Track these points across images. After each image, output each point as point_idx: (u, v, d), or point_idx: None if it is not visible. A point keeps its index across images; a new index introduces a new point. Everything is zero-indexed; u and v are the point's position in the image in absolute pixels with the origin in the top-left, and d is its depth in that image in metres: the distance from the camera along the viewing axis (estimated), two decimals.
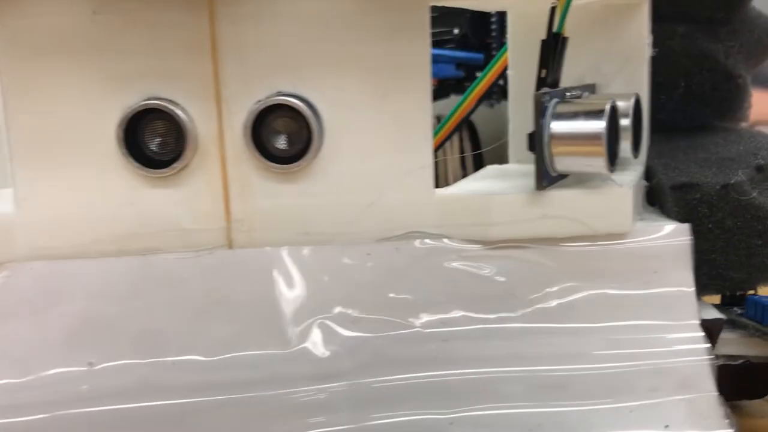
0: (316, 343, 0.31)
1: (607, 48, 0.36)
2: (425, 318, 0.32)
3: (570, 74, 0.36)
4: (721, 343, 0.33)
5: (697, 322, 0.32)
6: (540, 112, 0.30)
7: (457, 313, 0.32)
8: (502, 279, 0.32)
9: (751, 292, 0.35)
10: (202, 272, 0.32)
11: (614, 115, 0.31)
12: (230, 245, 0.32)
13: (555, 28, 0.33)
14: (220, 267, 0.32)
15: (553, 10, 0.33)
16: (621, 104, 0.34)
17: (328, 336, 0.31)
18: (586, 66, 0.37)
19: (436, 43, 0.52)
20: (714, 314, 0.33)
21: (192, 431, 0.30)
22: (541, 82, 0.33)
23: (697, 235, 0.33)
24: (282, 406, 0.30)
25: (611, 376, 0.31)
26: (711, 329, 0.32)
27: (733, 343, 0.33)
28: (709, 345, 0.31)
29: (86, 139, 0.31)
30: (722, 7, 0.38)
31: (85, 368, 0.31)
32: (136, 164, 0.31)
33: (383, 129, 0.32)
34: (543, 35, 0.35)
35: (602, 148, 0.30)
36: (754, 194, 0.33)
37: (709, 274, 0.34)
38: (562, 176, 0.32)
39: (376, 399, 0.30)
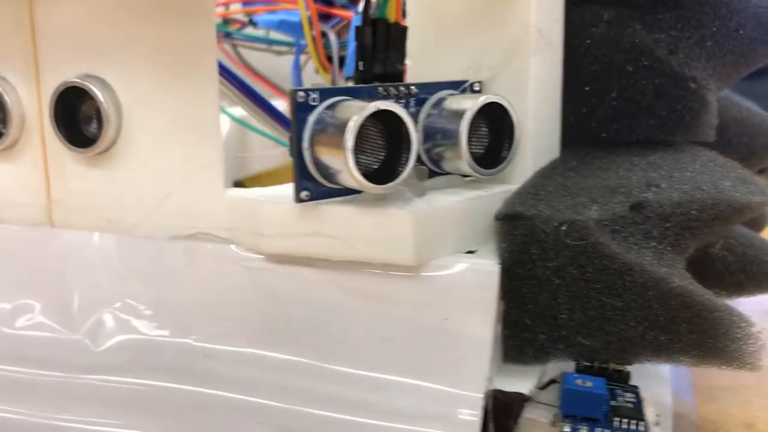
0: (96, 334, 0.30)
1: (489, 39, 0.29)
2: (198, 329, 0.29)
3: (453, 70, 0.29)
4: (529, 426, 0.25)
5: (480, 394, 0.24)
6: (296, 111, 0.25)
7: (228, 330, 0.28)
8: (280, 299, 0.28)
9: (620, 367, 0.26)
10: (25, 246, 0.32)
11: (385, 125, 0.25)
12: (52, 224, 0.32)
13: (377, 13, 0.27)
14: (39, 244, 0.32)
15: None
16: (464, 107, 0.27)
17: (110, 330, 0.30)
18: (469, 60, 0.29)
19: None
20: (525, 386, 0.25)
21: None
22: (359, 76, 0.27)
23: (533, 282, 0.25)
24: (49, 389, 0.29)
25: None
26: (510, 405, 0.25)
27: (540, 429, 0.24)
28: (477, 425, 0.24)
29: None
30: None
31: None
32: None
33: (175, 119, 0.29)
34: (442, 16, 0.29)
35: (349, 163, 0.24)
36: (596, 238, 0.24)
37: (549, 336, 0.25)
38: (352, 191, 0.26)
39: (124, 402, 0.28)
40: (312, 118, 0.25)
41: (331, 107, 0.25)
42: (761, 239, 0.31)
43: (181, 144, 0.28)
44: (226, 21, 0.51)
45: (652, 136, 0.29)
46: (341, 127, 0.24)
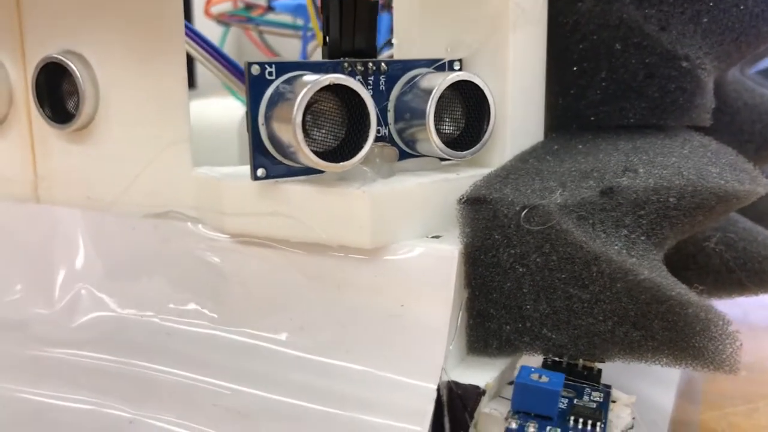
0: (73, 309, 0.29)
1: (468, 15, 0.27)
2: (164, 306, 0.28)
3: (436, 47, 0.28)
4: (485, 420, 0.23)
5: (433, 385, 0.23)
6: (250, 85, 0.24)
7: (192, 310, 0.27)
8: (242, 279, 0.26)
9: (591, 364, 0.24)
10: (13, 221, 0.32)
11: (346, 102, 0.23)
12: (38, 200, 0.31)
13: None
14: (25, 219, 0.31)
15: None
16: (433, 86, 0.25)
17: (85, 305, 0.29)
18: (449, 37, 0.28)
19: None
20: (483, 378, 0.23)
21: None
22: (325, 51, 0.26)
23: (496, 270, 0.23)
24: (22, 363, 0.29)
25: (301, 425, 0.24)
26: (464, 398, 0.23)
27: (495, 424, 0.23)
28: (428, 416, 0.22)
29: None
30: None
31: None
32: None
33: (145, 97, 0.28)
34: None
35: (298, 137, 0.22)
36: (559, 224, 0.22)
37: (515, 327, 0.24)
38: (313, 170, 0.25)
39: (89, 377, 0.28)
40: (268, 93, 0.24)
41: (288, 82, 0.24)
42: (766, 234, 0.28)
43: (151, 122, 0.28)
44: (248, 6, 0.50)
45: (644, 119, 0.27)
46: (290, 102, 0.22)
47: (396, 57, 0.30)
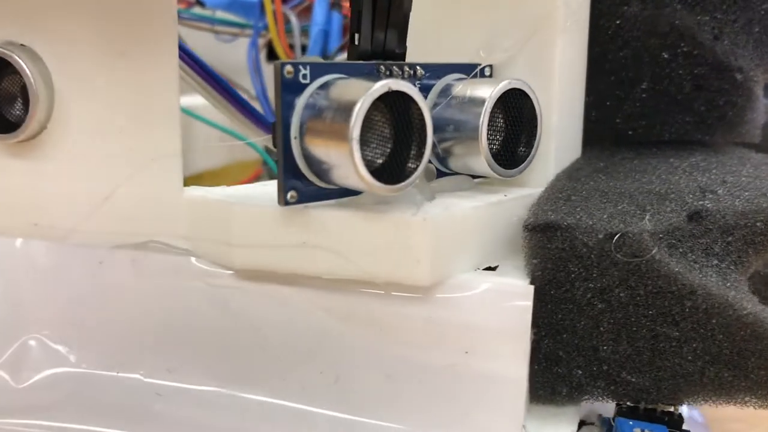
0: (19, 366, 0.23)
1: (506, 14, 0.23)
2: (150, 361, 0.22)
3: (459, 51, 0.24)
4: None
5: None
6: (282, 91, 0.19)
7: (187, 363, 0.22)
8: (254, 325, 0.22)
9: (670, 408, 0.21)
10: None
11: (391, 111, 0.19)
12: None
13: None
14: None
15: None
16: (482, 95, 0.21)
17: (36, 360, 0.23)
18: (481, 39, 0.24)
19: None
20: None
21: None
22: (354, 52, 0.22)
23: (569, 306, 0.20)
24: None
25: None
26: None
27: None
28: None
29: None
30: None
31: None
32: None
33: (121, 99, 0.22)
34: None
35: (354, 156, 0.18)
36: (653, 255, 0.19)
37: (588, 371, 0.20)
38: (347, 192, 0.20)
39: None
40: (302, 101, 0.19)
41: (324, 87, 0.19)
42: None
43: (129, 132, 0.22)
44: None
45: (687, 134, 0.24)
46: (342, 112, 0.18)
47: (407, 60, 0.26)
